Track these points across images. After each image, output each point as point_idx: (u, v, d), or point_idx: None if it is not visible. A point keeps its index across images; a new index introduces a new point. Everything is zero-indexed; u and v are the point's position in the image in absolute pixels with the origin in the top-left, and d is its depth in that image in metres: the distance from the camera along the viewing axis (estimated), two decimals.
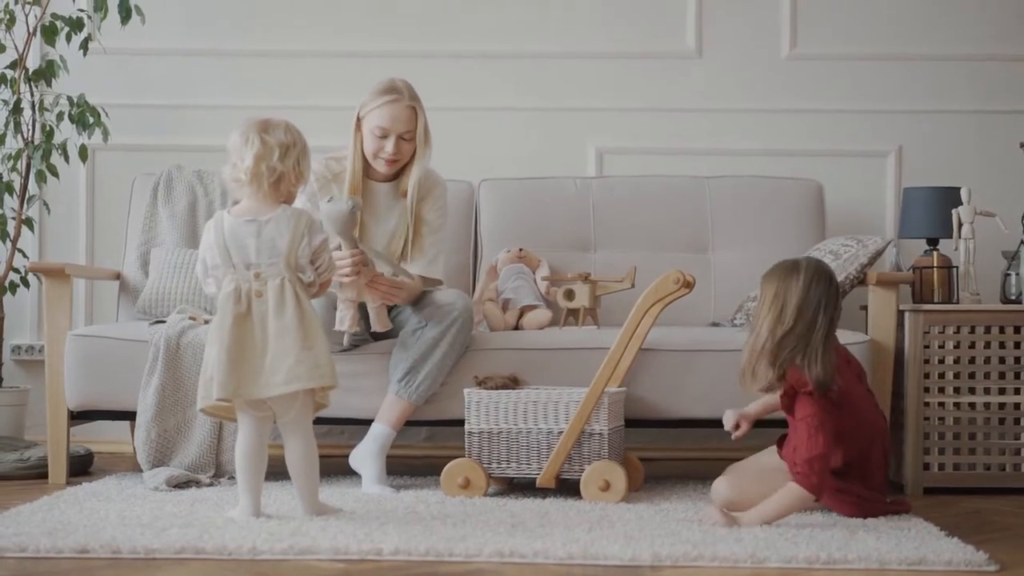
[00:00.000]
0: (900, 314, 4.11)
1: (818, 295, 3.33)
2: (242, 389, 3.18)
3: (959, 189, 4.38)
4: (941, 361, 4.07)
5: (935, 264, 4.33)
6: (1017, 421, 4.06)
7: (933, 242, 4.48)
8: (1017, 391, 4.05)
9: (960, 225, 4.32)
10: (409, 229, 3.99)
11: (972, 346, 4.06)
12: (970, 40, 5.01)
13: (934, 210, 4.50)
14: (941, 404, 4.07)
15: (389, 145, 3.91)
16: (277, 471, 4.35)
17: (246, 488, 3.28)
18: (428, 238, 4.03)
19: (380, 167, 3.97)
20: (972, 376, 4.06)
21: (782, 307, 3.32)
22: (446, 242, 4.18)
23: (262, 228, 3.22)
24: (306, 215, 3.29)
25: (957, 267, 4.32)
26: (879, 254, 4.22)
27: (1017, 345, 4.06)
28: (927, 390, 4.06)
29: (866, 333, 4.11)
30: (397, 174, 4.02)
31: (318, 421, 3.67)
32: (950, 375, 4.07)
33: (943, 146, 4.99)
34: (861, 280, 4.16)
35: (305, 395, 3.25)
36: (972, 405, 4.06)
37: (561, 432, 3.68)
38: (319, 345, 3.21)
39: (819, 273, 3.36)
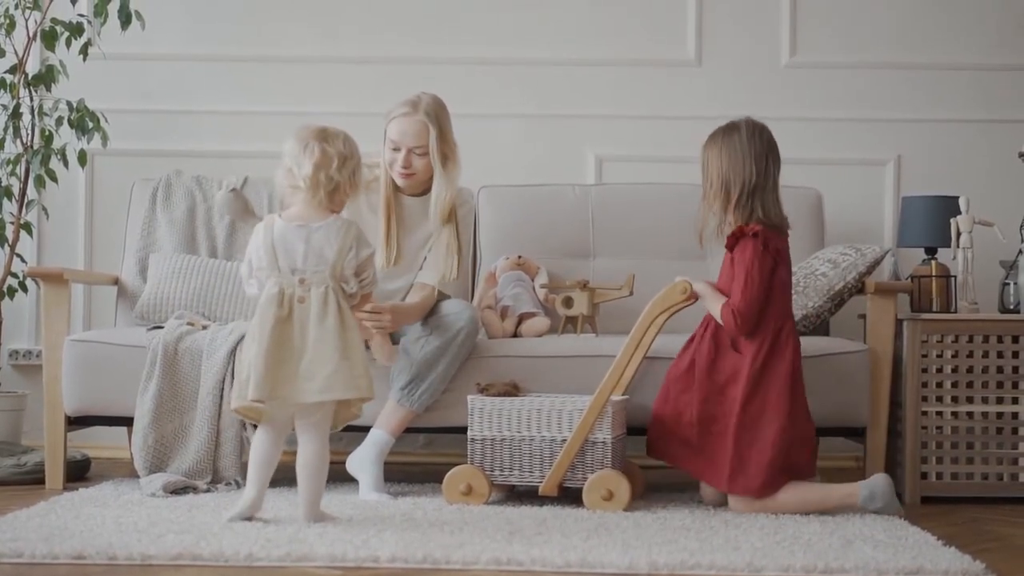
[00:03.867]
0: (898, 323, 4.11)
1: (763, 146, 3.69)
2: (277, 392, 3.20)
3: (958, 198, 4.38)
4: (939, 370, 4.07)
5: (933, 273, 4.33)
6: (1015, 431, 4.06)
7: (931, 251, 4.48)
8: (1015, 400, 4.05)
9: (958, 234, 4.32)
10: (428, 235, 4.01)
11: (970, 355, 4.06)
12: (969, 49, 5.01)
13: (933, 219, 4.50)
14: (939, 413, 4.07)
15: (400, 158, 3.91)
16: (279, 477, 4.35)
17: (254, 483, 3.32)
18: (439, 251, 4.02)
19: (396, 179, 3.96)
20: (970, 385, 4.06)
21: (731, 161, 3.68)
22: (453, 255, 4.08)
23: (311, 235, 3.26)
24: (355, 227, 3.33)
25: (955, 276, 4.32)
26: (877, 263, 4.22)
27: (1015, 355, 4.06)
28: (925, 399, 4.06)
29: (864, 342, 4.11)
30: (426, 189, 4.01)
31: None
32: (948, 384, 4.07)
33: (942, 155, 5.00)
34: (859, 289, 4.15)
35: (330, 402, 3.27)
36: (970, 414, 4.06)
37: (564, 440, 3.68)
38: (357, 356, 3.23)
39: (757, 127, 3.70)
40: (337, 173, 3.28)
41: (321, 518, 3.32)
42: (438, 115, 3.91)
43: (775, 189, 3.73)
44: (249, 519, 3.31)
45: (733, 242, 3.69)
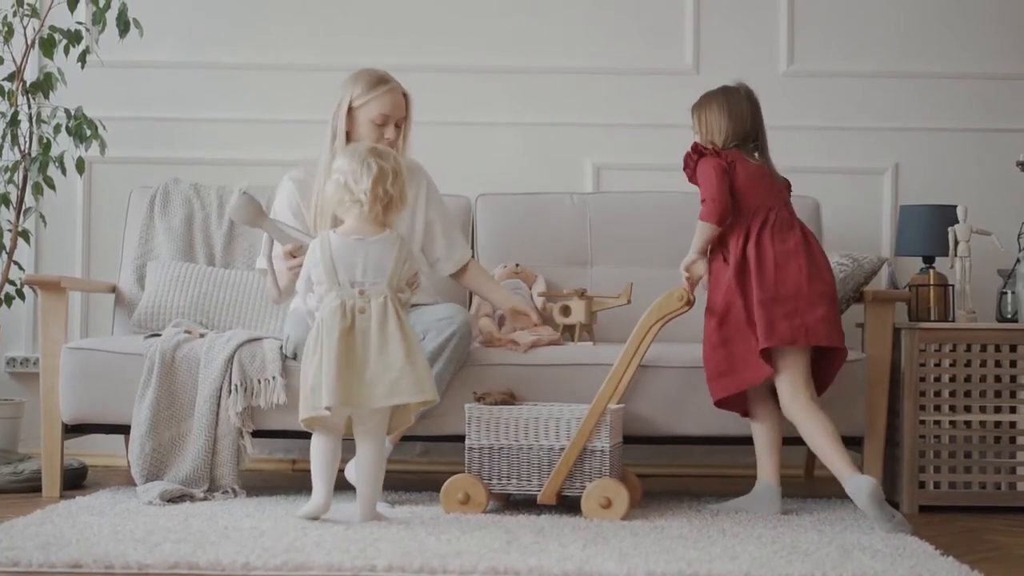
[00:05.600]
0: (896, 332, 4.11)
1: (756, 109, 3.95)
2: (348, 398, 3.37)
3: (955, 207, 4.38)
4: (937, 379, 4.07)
5: (931, 282, 4.32)
6: (1013, 440, 4.05)
7: (929, 260, 4.48)
8: (1013, 410, 4.05)
9: (956, 243, 4.32)
10: (413, 218, 4.12)
11: (968, 364, 4.06)
12: (968, 58, 5.02)
13: (930, 228, 4.50)
14: (937, 422, 4.06)
15: (389, 132, 4.03)
16: (276, 485, 4.34)
17: (320, 486, 3.47)
18: (443, 225, 4.20)
19: None
20: (968, 395, 4.06)
21: (734, 117, 3.91)
22: (456, 220, 4.34)
23: (369, 248, 3.46)
24: (405, 241, 3.57)
25: (953, 285, 4.32)
26: (875, 272, 4.21)
27: (1013, 363, 4.06)
28: (923, 408, 4.06)
29: (862, 351, 4.11)
30: None
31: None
32: (946, 393, 4.07)
33: (940, 164, 5.00)
34: (858, 298, 4.15)
35: (385, 409, 3.46)
36: (968, 423, 4.06)
37: (562, 449, 3.68)
38: (420, 361, 3.44)
39: (750, 91, 3.97)
40: (392, 187, 3.48)
41: (376, 518, 3.48)
42: None
43: (765, 148, 3.95)
44: (316, 519, 3.46)
45: (691, 172, 3.91)
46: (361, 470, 3.49)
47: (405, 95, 4.08)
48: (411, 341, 3.44)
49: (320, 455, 3.48)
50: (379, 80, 4.06)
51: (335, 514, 3.52)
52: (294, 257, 3.77)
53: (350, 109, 4.05)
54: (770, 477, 3.85)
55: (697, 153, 3.89)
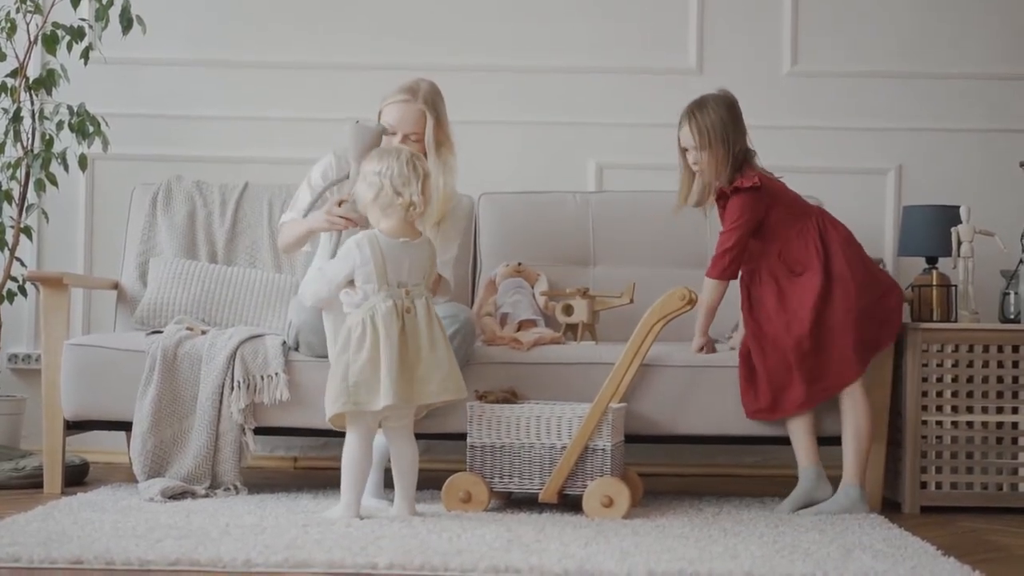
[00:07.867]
0: (899, 332, 4.10)
1: (736, 114, 4.00)
2: (404, 396, 3.44)
3: (958, 208, 4.38)
4: (939, 380, 4.06)
5: (934, 282, 4.32)
6: (1015, 440, 4.05)
7: (932, 260, 4.47)
8: (1015, 410, 4.05)
9: (959, 244, 4.32)
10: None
11: (970, 365, 4.06)
12: (971, 59, 5.01)
13: (933, 228, 4.49)
14: (939, 423, 4.06)
15: (393, 142, 3.96)
16: (275, 482, 4.34)
17: (350, 490, 3.49)
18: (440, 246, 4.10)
19: None
20: (970, 395, 4.06)
21: (722, 135, 3.95)
22: (454, 253, 4.20)
23: (414, 250, 3.54)
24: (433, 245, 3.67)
25: (956, 286, 4.31)
26: None
27: (1015, 364, 4.05)
28: (925, 408, 4.06)
29: None
30: None
31: (317, 433, 3.66)
32: (948, 394, 4.06)
33: (943, 164, 4.99)
34: None
35: (413, 407, 3.56)
36: (970, 424, 4.06)
37: (564, 447, 3.67)
38: (455, 360, 3.57)
39: (727, 98, 4.01)
40: (428, 190, 3.57)
41: (416, 513, 3.56)
42: (436, 104, 4.03)
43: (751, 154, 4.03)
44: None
45: (723, 209, 3.98)
46: (399, 468, 3.56)
47: (425, 113, 3.97)
48: (448, 341, 3.55)
49: (355, 462, 3.50)
50: (403, 89, 4.02)
51: (369, 512, 3.56)
52: (338, 207, 3.82)
53: (380, 112, 4.03)
54: (851, 479, 3.89)
55: (732, 189, 3.94)
